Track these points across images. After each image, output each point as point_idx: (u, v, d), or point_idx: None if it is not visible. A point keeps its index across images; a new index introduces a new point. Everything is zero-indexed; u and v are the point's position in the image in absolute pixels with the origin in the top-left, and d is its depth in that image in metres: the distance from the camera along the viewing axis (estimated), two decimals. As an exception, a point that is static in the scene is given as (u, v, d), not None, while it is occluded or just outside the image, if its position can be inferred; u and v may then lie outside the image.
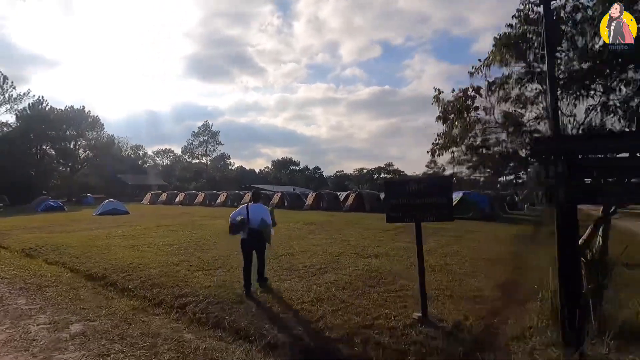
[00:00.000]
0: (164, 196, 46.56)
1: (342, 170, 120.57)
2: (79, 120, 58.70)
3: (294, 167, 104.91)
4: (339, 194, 34.81)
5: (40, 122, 53.80)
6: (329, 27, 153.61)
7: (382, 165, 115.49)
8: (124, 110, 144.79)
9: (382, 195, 34.64)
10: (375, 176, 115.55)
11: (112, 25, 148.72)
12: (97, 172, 61.62)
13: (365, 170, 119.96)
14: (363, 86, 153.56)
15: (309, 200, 32.73)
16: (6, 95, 50.68)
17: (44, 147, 56.58)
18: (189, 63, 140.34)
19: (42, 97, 56.25)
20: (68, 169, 60.16)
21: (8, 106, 50.94)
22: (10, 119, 53.27)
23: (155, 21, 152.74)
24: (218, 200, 39.15)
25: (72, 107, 58.29)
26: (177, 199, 44.26)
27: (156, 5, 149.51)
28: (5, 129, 54.42)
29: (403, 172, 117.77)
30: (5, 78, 50.21)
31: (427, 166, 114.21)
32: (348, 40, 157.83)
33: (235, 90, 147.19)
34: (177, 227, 16.74)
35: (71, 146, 59.25)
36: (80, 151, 61.22)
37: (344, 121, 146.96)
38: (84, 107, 59.06)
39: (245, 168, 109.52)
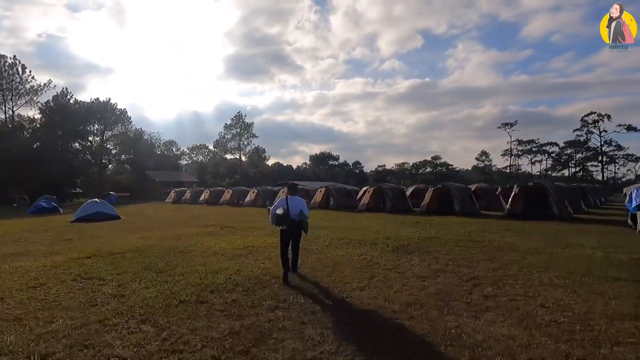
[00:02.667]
0: (187, 194, 38.69)
1: (384, 165, 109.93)
2: (105, 114, 52.62)
3: (333, 162, 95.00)
4: (404, 188, 24.66)
5: (65, 116, 47.91)
6: (367, 18, 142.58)
7: (428, 158, 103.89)
8: (170, 112, 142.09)
9: (472, 188, 23.60)
10: (420, 170, 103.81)
11: (158, 31, 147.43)
12: (124, 168, 55.39)
13: (407, 165, 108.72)
14: (402, 79, 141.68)
15: (365, 197, 22.84)
16: (26, 86, 45.06)
17: (67, 143, 50.64)
18: (229, 63, 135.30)
19: (66, 88, 50.57)
20: (96, 165, 54.36)
21: (27, 98, 45.20)
22: (30, 112, 47.66)
23: (197, 23, 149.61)
24: (247, 199, 30.29)
25: (98, 99, 52.27)
26: (201, 197, 36.12)
27: (199, 8, 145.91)
28: (33, 124, 49.04)
29: (451, 165, 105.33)
30: (24, 67, 44.59)
31: (477, 159, 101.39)
32: (387, 32, 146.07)
33: (273, 88, 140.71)
34: (114, 266, 7.61)
35: (97, 140, 53.34)
36: (110, 146, 55.29)
37: (382, 116, 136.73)
38: (109, 99, 52.92)
39: (282, 164, 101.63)
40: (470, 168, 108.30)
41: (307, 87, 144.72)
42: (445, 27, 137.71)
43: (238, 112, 65.06)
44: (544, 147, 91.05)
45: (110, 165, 55.82)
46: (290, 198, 6.27)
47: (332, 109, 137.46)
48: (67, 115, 47.99)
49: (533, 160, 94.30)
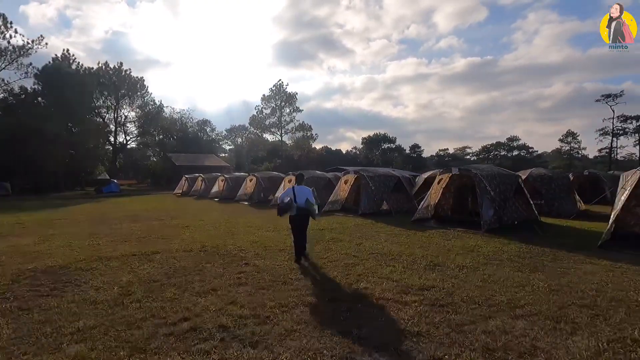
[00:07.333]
0: (199, 183, 25.20)
1: (447, 149, 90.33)
2: (118, 84, 40.66)
3: (389, 145, 77.88)
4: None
5: (67, 86, 36.15)
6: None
7: (502, 140, 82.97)
8: (222, 103, 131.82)
9: None
10: (491, 154, 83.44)
11: (210, 20, 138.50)
12: (143, 150, 43.46)
13: (470, 149, 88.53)
14: (460, 57, 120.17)
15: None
16: (12, 43, 33.24)
17: (76, 119, 39.11)
18: (278, 50, 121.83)
19: (67, 50, 39.03)
20: (109, 145, 42.92)
21: (12, 57, 33.62)
22: (16, 76, 36.06)
23: (247, 9, 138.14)
24: (275, 192, 15.66)
25: (106, 63, 40.26)
26: (214, 189, 22.34)
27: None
28: (33, 98, 38.10)
29: (532, 148, 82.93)
30: (5, 20, 32.98)
31: (561, 140, 78.66)
32: (446, 5, 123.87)
33: (322, 74, 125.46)
34: None
35: (112, 116, 41.75)
36: (128, 123, 43.60)
37: (434, 99, 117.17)
38: (121, 64, 40.64)
39: (330, 148, 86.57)
40: (550, 151, 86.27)
41: (357, 71, 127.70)
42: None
43: (278, 81, 50.49)
44: (663, 123, 66.78)
45: (125, 146, 43.93)
46: (297, 187, 6.29)
47: (381, 93, 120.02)
48: (69, 86, 36.27)
49: (640, 140, 69.81)
